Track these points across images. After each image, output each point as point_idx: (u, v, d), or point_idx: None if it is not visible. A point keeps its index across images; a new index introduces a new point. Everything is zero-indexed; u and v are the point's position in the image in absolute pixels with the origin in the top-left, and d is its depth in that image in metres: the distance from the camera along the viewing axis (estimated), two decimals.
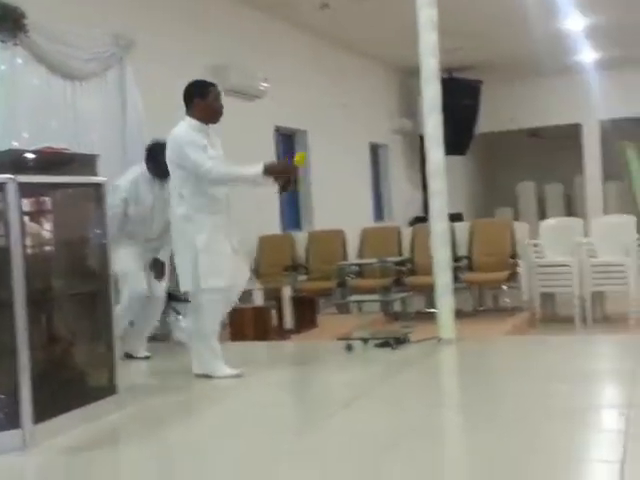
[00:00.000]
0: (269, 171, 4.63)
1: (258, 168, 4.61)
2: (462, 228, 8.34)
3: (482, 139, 14.07)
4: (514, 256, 7.85)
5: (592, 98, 13.65)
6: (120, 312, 5.08)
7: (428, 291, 6.90)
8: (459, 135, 11.65)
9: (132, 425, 3.78)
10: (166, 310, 5.96)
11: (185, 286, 4.78)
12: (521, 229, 8.34)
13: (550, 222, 8.59)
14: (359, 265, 8.35)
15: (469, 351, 5.37)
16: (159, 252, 5.54)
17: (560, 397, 3.87)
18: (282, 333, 6.52)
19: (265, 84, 8.70)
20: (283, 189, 4.81)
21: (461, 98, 11.84)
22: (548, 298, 8.02)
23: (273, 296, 6.99)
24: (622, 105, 13.79)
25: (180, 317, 6.10)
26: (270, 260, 8.35)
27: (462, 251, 8.07)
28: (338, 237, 8.60)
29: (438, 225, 5.55)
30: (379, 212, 12.36)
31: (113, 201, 5.08)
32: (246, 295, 7.52)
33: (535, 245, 7.90)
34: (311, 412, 3.98)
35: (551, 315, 7.98)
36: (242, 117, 8.52)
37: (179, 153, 4.68)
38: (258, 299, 7.43)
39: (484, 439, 3.18)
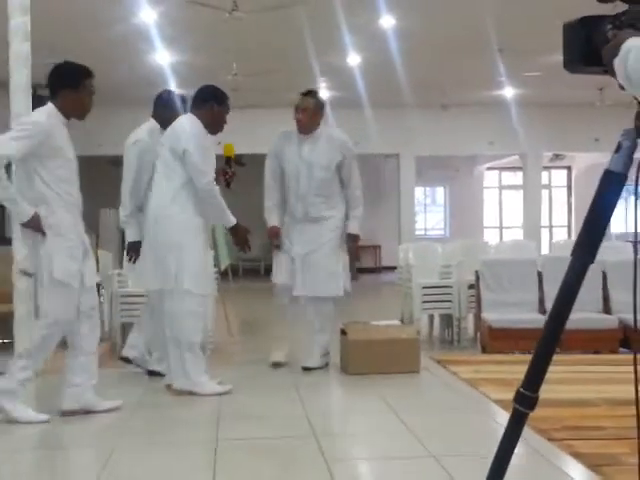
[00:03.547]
0: (235, 231, 4.89)
1: (232, 219, 4.84)
2: None
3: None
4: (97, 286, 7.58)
5: None
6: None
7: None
8: None
9: None
10: None
11: (167, 284, 4.47)
12: (105, 258, 8.14)
13: None
14: None
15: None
16: None
17: None
18: None
19: None
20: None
21: None
22: (129, 328, 7.92)
23: None
24: None
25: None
26: None
27: None
28: None
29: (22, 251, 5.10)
30: None
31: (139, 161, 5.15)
32: None
33: (119, 275, 7.75)
34: None
35: None
36: None
37: (184, 147, 4.60)
38: None
39: None
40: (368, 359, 5.02)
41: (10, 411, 4.00)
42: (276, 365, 5.50)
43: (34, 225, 3.99)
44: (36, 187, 4.01)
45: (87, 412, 4.16)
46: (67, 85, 4.16)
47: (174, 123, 4.82)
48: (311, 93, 5.56)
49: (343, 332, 5.28)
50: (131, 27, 9.54)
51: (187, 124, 4.73)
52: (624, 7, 1.88)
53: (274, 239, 5.58)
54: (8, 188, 3.93)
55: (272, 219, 5.60)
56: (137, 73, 11.81)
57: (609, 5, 1.93)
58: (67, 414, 4.12)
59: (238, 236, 4.93)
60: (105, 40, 9.84)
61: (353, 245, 5.57)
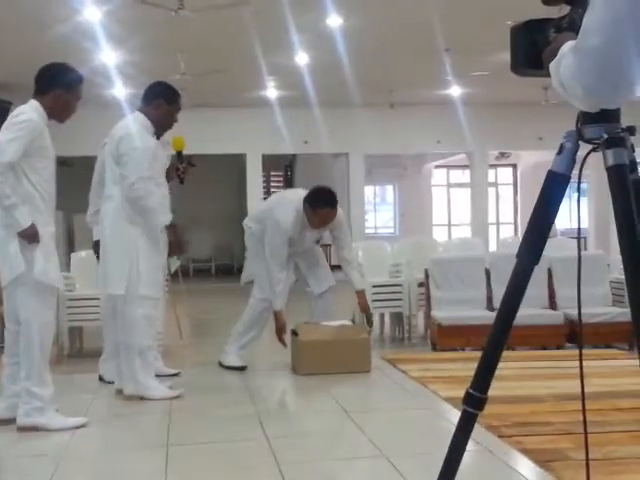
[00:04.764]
0: (170, 231, 4.60)
1: (166, 218, 4.59)
2: None
3: None
4: None
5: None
6: None
7: None
8: None
9: None
10: None
11: (118, 289, 4.34)
12: None
13: (82, 254, 8.38)
14: None
15: None
16: None
17: None
18: None
19: None
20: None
21: None
22: (77, 332, 7.78)
23: None
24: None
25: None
26: None
27: None
28: None
29: None
30: None
31: None
32: None
33: (66, 278, 7.61)
34: None
35: (79, 350, 7.75)
36: None
37: (126, 151, 4.50)
38: None
39: None
40: (319, 359, 5.03)
41: (45, 425, 3.92)
42: (242, 369, 5.49)
43: (30, 235, 3.82)
44: (24, 188, 3.86)
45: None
46: (61, 85, 4.02)
47: (117, 125, 4.72)
48: (337, 202, 5.54)
49: (294, 333, 5.27)
50: (75, 26, 9.37)
51: (128, 126, 4.63)
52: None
53: (283, 331, 5.34)
54: (10, 196, 3.78)
55: (281, 302, 5.37)
56: (82, 73, 11.62)
57: (556, 7, 1.96)
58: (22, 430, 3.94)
59: (172, 238, 4.64)
60: (47, 40, 9.66)
61: (364, 299, 5.83)
